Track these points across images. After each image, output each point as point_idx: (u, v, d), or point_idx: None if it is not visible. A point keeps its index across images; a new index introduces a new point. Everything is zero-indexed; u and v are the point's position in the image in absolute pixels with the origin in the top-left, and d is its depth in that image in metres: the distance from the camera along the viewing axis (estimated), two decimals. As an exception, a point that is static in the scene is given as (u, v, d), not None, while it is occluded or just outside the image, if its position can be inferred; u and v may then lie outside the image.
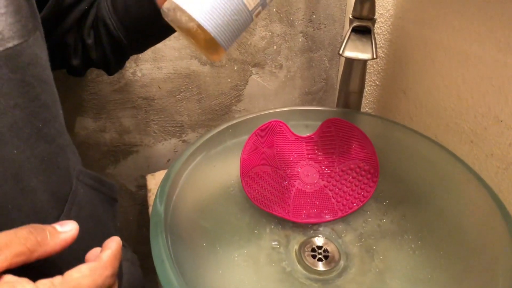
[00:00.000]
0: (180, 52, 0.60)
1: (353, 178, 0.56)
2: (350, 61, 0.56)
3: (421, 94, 0.57)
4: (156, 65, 0.59)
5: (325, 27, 0.67)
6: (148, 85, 0.60)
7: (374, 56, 0.47)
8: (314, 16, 0.65)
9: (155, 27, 0.40)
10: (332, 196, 0.55)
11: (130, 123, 0.63)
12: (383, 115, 0.67)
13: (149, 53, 0.58)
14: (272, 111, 0.57)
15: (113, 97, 0.60)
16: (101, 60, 0.42)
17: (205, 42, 0.28)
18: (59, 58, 0.42)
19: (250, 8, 0.29)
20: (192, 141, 0.68)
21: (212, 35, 0.28)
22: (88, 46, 0.40)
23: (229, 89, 0.66)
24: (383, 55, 0.63)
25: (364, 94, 0.69)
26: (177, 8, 0.28)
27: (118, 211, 0.43)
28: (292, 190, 0.55)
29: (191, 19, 0.27)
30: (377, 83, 0.66)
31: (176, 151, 0.68)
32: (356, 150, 0.56)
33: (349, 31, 0.50)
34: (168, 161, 0.69)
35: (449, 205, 0.45)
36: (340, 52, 0.48)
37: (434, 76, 0.54)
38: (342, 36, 0.69)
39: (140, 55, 0.58)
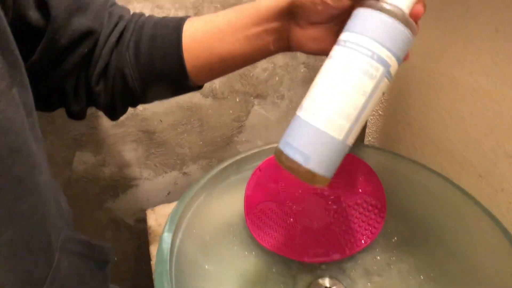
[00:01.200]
0: (182, 85, 0.59)
1: (360, 213, 0.54)
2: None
3: (426, 126, 0.57)
4: (158, 99, 0.58)
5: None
6: (149, 119, 0.59)
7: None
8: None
9: (176, 85, 0.39)
10: (339, 233, 0.53)
11: (131, 156, 0.62)
12: (387, 145, 0.66)
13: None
14: (276, 145, 0.56)
15: (114, 131, 0.58)
16: (107, 107, 0.39)
17: (313, 178, 0.30)
18: (58, 102, 0.39)
19: (351, 144, 0.32)
20: (195, 177, 0.67)
21: (323, 175, 0.30)
22: (95, 92, 0.38)
23: (231, 121, 0.65)
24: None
25: (367, 124, 0.68)
26: (290, 160, 0.30)
27: (110, 270, 0.40)
28: (298, 227, 0.53)
29: (307, 171, 0.30)
30: (380, 113, 0.66)
31: (177, 183, 0.67)
32: (362, 184, 0.55)
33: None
34: (168, 193, 0.67)
35: (461, 243, 0.44)
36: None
37: (439, 108, 0.54)
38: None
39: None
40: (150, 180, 0.65)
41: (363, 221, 0.54)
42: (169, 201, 0.67)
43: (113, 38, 0.37)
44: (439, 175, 0.49)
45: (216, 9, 0.57)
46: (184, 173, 0.66)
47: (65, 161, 0.58)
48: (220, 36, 0.37)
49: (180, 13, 0.55)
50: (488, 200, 0.49)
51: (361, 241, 0.52)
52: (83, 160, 0.59)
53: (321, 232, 0.53)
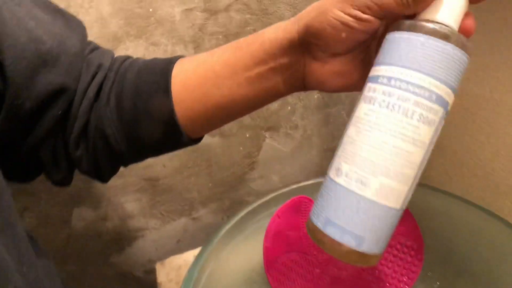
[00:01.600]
0: (185, 126, 0.54)
1: (394, 256, 0.49)
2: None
3: (460, 152, 0.51)
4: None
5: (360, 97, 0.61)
6: (151, 165, 0.54)
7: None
8: (328, 72, 0.60)
9: (170, 143, 0.33)
10: (373, 281, 0.47)
11: (134, 207, 0.56)
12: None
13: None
14: (294, 186, 0.50)
15: (114, 183, 0.53)
16: (93, 171, 0.33)
17: (366, 260, 0.25)
18: (35, 172, 0.34)
19: (400, 207, 0.24)
20: (206, 222, 0.62)
21: (377, 254, 0.25)
22: (75, 158, 0.32)
23: (241, 158, 0.59)
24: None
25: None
26: (336, 243, 0.24)
27: None
28: (326, 278, 0.47)
29: (361, 254, 0.24)
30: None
31: (187, 230, 0.61)
32: (395, 223, 0.50)
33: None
34: (177, 241, 0.62)
35: None
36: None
37: (476, 133, 0.48)
38: (359, 88, 0.64)
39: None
40: (157, 230, 0.59)
41: (398, 266, 0.48)
42: (179, 249, 0.61)
43: (90, 93, 0.30)
44: (482, 208, 0.44)
45: (218, 42, 0.51)
46: (194, 218, 0.61)
47: (63, 219, 0.53)
48: (217, 80, 0.30)
49: (178, 49, 0.50)
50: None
51: (399, 289, 0.46)
52: (82, 216, 0.54)
53: (353, 282, 0.47)
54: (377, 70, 0.24)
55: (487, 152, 0.47)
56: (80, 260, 0.57)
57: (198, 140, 0.35)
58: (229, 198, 0.61)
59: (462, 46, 0.23)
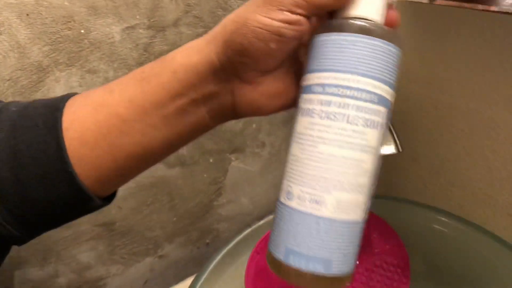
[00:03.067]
0: (141, 161, 0.47)
1: (380, 276, 0.47)
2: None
3: (436, 162, 0.50)
4: (112, 183, 0.46)
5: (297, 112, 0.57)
6: (104, 210, 0.46)
7: (400, 149, 0.38)
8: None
9: (76, 211, 0.26)
10: (363, 305, 0.45)
11: (90, 257, 0.49)
12: (390, 183, 0.58)
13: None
14: (271, 216, 0.46)
15: (62, 234, 0.46)
16: None
17: (338, 283, 0.22)
18: None
19: (362, 219, 0.22)
20: (174, 257, 0.56)
21: (349, 274, 0.22)
22: None
23: (207, 185, 0.54)
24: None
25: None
26: (302, 273, 0.21)
27: None
28: (316, 312, 0.44)
29: (332, 278, 0.21)
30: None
31: (153, 269, 0.55)
32: (378, 242, 0.48)
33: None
34: (145, 282, 0.55)
35: None
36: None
37: (452, 143, 0.47)
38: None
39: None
40: (120, 275, 0.52)
41: (386, 285, 0.47)
42: (176, 282, 0.55)
43: None
44: (465, 221, 0.43)
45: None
46: (160, 256, 0.54)
47: (4, 285, 0.45)
48: (124, 127, 0.24)
49: (122, 74, 0.42)
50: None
51: (389, 311, 0.44)
52: (27, 278, 0.45)
53: (343, 310, 0.45)
54: (309, 78, 0.22)
55: (464, 162, 0.46)
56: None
57: (112, 196, 0.28)
58: (196, 229, 0.56)
59: (391, 39, 0.21)
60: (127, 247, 0.51)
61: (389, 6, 0.22)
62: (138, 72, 0.24)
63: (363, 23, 0.21)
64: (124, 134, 0.24)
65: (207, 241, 0.57)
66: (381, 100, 0.21)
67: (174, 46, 0.44)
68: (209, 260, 0.42)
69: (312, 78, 0.22)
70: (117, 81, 0.25)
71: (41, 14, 0.37)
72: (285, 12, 0.20)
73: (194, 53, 0.23)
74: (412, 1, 0.37)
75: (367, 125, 0.21)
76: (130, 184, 0.48)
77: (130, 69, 0.43)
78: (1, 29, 0.36)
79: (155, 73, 0.24)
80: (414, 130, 0.51)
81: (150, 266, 0.54)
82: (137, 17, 0.41)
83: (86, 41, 0.40)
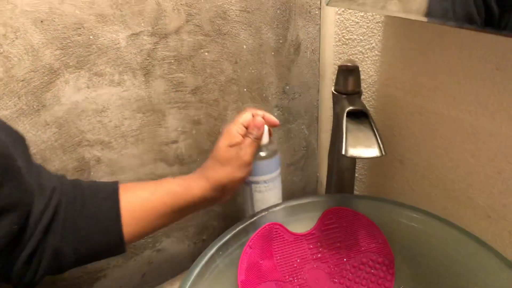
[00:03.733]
0: (142, 159, 0.50)
1: (367, 273, 0.49)
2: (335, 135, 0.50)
3: (421, 165, 0.52)
4: (114, 179, 0.48)
5: (299, 95, 0.60)
6: (107, 204, 0.49)
7: (383, 153, 0.41)
8: (287, 87, 0.58)
9: (111, 254, 0.39)
10: (349, 300, 0.48)
11: (91, 248, 0.51)
12: (378, 185, 0.61)
13: (103, 168, 0.48)
14: (263, 214, 0.49)
15: (65, 227, 0.48)
16: (25, 285, 0.34)
17: None
18: None
19: None
20: (171, 251, 0.58)
21: None
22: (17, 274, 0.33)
23: (204, 184, 0.56)
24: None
25: (356, 160, 0.63)
26: None
27: None
28: (304, 304, 0.47)
29: None
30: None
31: (152, 262, 0.57)
32: (364, 241, 0.50)
33: (344, 120, 0.43)
34: (143, 275, 0.58)
35: None
36: (343, 152, 0.41)
37: (435, 148, 0.49)
38: (318, 101, 0.63)
39: (92, 172, 0.47)
40: (119, 267, 0.55)
41: (372, 282, 0.49)
42: (146, 283, 0.58)
43: (48, 215, 0.33)
44: (447, 222, 0.45)
45: (170, 66, 0.47)
46: (158, 250, 0.57)
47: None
48: (158, 215, 0.41)
49: (127, 77, 0.45)
50: (500, 241, 0.46)
51: (374, 306, 0.47)
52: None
53: (329, 304, 0.47)
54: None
55: (446, 165, 0.49)
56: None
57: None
58: (194, 225, 0.58)
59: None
60: (127, 241, 0.54)
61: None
62: (171, 186, 0.42)
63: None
64: (159, 219, 0.41)
65: (204, 237, 0.60)
66: None
67: (176, 52, 0.47)
68: (203, 254, 0.44)
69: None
70: (157, 187, 0.41)
71: (54, 21, 0.40)
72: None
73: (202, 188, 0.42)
74: (401, 18, 0.40)
75: None
76: (132, 179, 0.51)
77: (134, 72, 0.46)
78: (17, 34, 0.39)
79: (180, 193, 0.41)
80: (401, 135, 0.53)
81: (148, 259, 0.57)
82: (142, 24, 0.45)
83: (94, 46, 0.43)
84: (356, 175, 0.64)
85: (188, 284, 0.40)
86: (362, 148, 0.42)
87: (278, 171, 0.51)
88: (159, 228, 0.42)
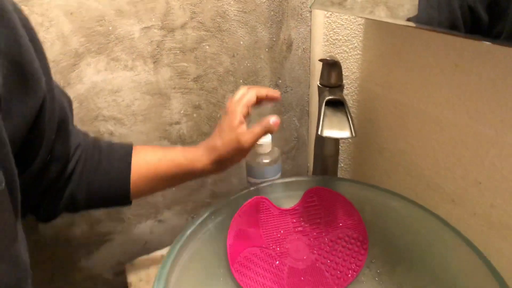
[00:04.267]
0: (149, 136, 0.57)
1: (343, 247, 0.55)
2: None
3: (397, 154, 0.58)
4: (124, 152, 0.56)
5: (291, 89, 0.67)
6: (117, 174, 0.57)
7: (353, 134, 0.47)
8: (280, 81, 0.65)
9: (116, 205, 0.46)
10: (326, 270, 0.53)
11: (101, 212, 0.59)
12: (360, 173, 0.67)
13: (114, 140, 0.55)
14: (252, 188, 0.55)
15: (80, 191, 0.55)
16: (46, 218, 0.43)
17: None
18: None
19: None
20: (171, 223, 0.65)
21: None
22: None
23: (202, 163, 0.63)
24: (353, 115, 0.64)
25: (340, 153, 0.69)
26: None
27: None
28: (284, 269, 0.53)
29: None
30: (351, 141, 0.67)
31: (153, 232, 0.64)
32: (342, 218, 0.56)
33: (323, 106, 0.49)
34: (144, 243, 0.65)
35: (442, 270, 0.45)
36: (319, 132, 0.47)
37: (408, 138, 0.55)
38: (308, 96, 0.69)
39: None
40: (124, 233, 0.62)
41: (347, 255, 0.54)
42: (146, 251, 0.64)
43: (70, 167, 0.40)
44: (414, 203, 0.50)
45: (176, 56, 0.55)
46: (160, 221, 0.64)
47: (31, 225, 0.55)
48: (161, 180, 0.46)
49: (138, 64, 0.53)
50: (463, 223, 0.51)
51: (347, 275, 0.52)
52: (50, 224, 0.55)
53: (308, 271, 0.53)
54: None
55: (418, 154, 0.54)
56: (49, 266, 0.59)
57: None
58: (192, 200, 0.65)
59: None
60: (133, 209, 0.61)
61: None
62: (177, 158, 0.46)
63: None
64: (161, 183, 0.47)
65: (200, 213, 0.67)
66: None
67: (181, 44, 0.55)
68: (198, 216, 0.50)
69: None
70: (165, 157, 0.46)
71: (81, 13, 0.48)
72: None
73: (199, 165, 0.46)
74: (378, 21, 0.46)
75: None
76: (139, 155, 0.58)
77: (145, 60, 0.53)
78: (51, 23, 0.47)
79: (184, 165, 0.46)
80: (380, 127, 0.59)
81: (150, 228, 0.64)
82: (153, 19, 0.52)
83: (112, 36, 0.51)
84: (342, 164, 0.70)
85: (182, 240, 0.46)
86: (336, 130, 0.48)
87: (279, 175, 0.60)
88: (161, 189, 0.48)
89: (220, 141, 0.45)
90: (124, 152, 0.45)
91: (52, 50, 0.48)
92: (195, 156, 0.46)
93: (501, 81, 0.41)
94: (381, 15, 0.45)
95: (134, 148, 0.45)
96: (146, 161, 0.45)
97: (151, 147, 0.48)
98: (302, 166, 0.76)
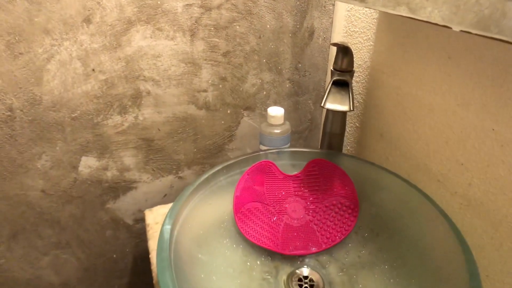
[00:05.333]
0: (179, 99, 0.66)
1: (335, 213, 0.61)
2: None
3: (395, 137, 0.64)
4: (157, 110, 0.65)
5: (309, 74, 0.74)
6: (148, 128, 0.66)
7: (351, 109, 0.54)
8: (299, 65, 0.73)
9: None
10: (317, 230, 0.60)
11: (131, 161, 0.68)
12: (363, 154, 0.74)
13: (151, 100, 0.64)
14: (262, 152, 0.63)
15: (117, 138, 0.65)
16: None
17: None
18: None
19: None
20: (190, 181, 0.74)
21: None
22: None
23: (222, 130, 0.72)
24: (361, 101, 0.71)
25: (346, 134, 0.76)
26: None
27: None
28: (280, 225, 0.60)
29: None
30: (357, 125, 0.73)
31: (173, 186, 0.73)
32: (338, 187, 0.62)
33: (330, 84, 0.57)
34: (164, 196, 0.74)
35: (419, 239, 0.50)
36: (322, 104, 0.55)
37: (406, 122, 0.62)
38: (325, 82, 0.77)
39: (142, 101, 0.64)
40: (148, 183, 0.71)
41: (338, 220, 0.61)
42: (165, 202, 0.73)
43: None
44: (404, 180, 0.56)
45: (210, 32, 0.64)
46: (180, 177, 0.73)
47: (72, 165, 0.64)
48: None
49: (178, 35, 0.62)
50: (445, 201, 0.57)
51: (336, 236, 0.59)
52: (88, 164, 0.65)
53: (301, 229, 0.60)
54: None
55: (413, 138, 0.61)
56: (82, 203, 0.68)
57: None
58: (209, 163, 0.74)
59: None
60: (158, 162, 0.70)
61: None
62: None
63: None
64: None
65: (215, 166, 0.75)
66: None
67: (215, 22, 0.64)
68: (212, 168, 0.58)
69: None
70: None
71: (136, -14, 0.58)
72: None
73: None
74: (386, 12, 0.53)
75: None
76: (169, 114, 0.67)
77: (184, 32, 0.63)
78: (112, -8, 0.57)
79: None
80: (383, 112, 0.66)
81: (170, 183, 0.73)
82: (195, -2, 0.62)
83: (159, 9, 0.61)
84: (348, 147, 0.77)
85: (196, 183, 0.54)
86: (337, 104, 0.55)
87: (287, 146, 0.66)
88: None
89: None
90: None
91: (111, 15, 0.58)
92: None
93: (484, 73, 0.47)
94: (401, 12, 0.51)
95: None
96: None
97: None
98: (313, 148, 0.83)
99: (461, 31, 0.36)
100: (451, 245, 0.45)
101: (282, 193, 0.63)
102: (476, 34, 0.34)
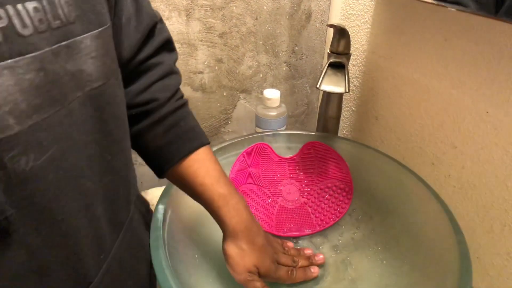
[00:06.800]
0: (175, 80, 0.66)
1: (330, 195, 0.62)
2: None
3: (391, 121, 0.64)
4: (152, 91, 0.65)
5: (306, 57, 0.74)
6: (144, 109, 0.66)
7: (347, 90, 0.54)
8: (296, 48, 0.72)
9: (153, 167, 0.47)
10: (311, 212, 0.61)
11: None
12: (358, 138, 0.74)
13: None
14: (258, 134, 0.63)
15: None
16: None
17: None
18: None
19: None
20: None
21: None
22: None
23: (218, 113, 0.71)
24: (358, 84, 0.71)
25: (342, 118, 0.76)
26: None
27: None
28: (275, 206, 0.61)
29: None
30: (353, 109, 0.73)
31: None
32: (333, 170, 0.63)
33: (326, 66, 0.57)
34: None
35: (412, 221, 0.51)
36: (318, 85, 0.55)
37: (401, 106, 0.61)
38: (322, 65, 0.76)
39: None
40: (144, 166, 0.71)
41: (332, 202, 0.61)
42: (161, 185, 0.73)
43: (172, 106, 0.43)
44: (398, 162, 0.56)
45: (206, 13, 0.63)
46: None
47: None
48: (192, 192, 0.45)
49: (173, 15, 0.62)
50: (438, 184, 0.57)
51: (330, 218, 0.59)
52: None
53: (296, 211, 0.61)
54: None
55: (408, 121, 0.61)
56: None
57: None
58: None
59: None
60: (154, 144, 0.70)
61: None
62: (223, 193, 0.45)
63: None
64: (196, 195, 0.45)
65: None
66: None
67: (211, 2, 0.63)
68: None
69: None
70: (218, 182, 0.45)
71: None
72: None
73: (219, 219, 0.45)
74: None
75: None
76: (165, 96, 0.66)
77: (179, 12, 0.62)
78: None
79: (214, 203, 0.45)
80: (379, 95, 0.66)
81: (167, 165, 0.73)
82: (191, -22, 0.61)
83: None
84: (344, 132, 0.77)
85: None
86: (332, 86, 0.55)
87: (283, 128, 0.67)
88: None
89: (261, 240, 0.46)
90: (194, 145, 0.44)
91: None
92: (224, 213, 0.45)
93: (480, 55, 0.47)
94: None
95: (202, 152, 0.45)
96: (195, 173, 0.44)
97: (214, 165, 0.45)
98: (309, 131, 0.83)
99: (457, 10, 0.35)
100: (443, 227, 0.45)
101: (277, 175, 0.63)
102: (471, 13, 0.33)
